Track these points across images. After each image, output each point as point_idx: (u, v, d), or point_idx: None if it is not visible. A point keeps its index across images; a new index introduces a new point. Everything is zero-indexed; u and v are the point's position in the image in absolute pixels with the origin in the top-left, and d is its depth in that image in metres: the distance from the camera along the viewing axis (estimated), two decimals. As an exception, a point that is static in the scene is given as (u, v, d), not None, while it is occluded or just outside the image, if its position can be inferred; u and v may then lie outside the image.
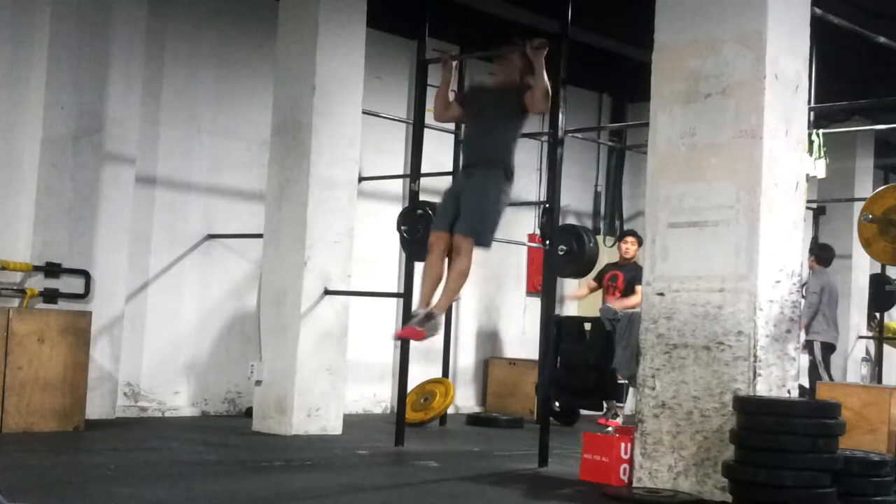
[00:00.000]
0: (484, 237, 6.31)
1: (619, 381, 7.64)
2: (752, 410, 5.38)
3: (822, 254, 11.00)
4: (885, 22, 8.47)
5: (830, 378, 10.70)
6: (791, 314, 5.91)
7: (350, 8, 8.44)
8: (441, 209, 6.54)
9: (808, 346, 10.70)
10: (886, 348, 13.27)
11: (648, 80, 6.29)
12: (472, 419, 10.05)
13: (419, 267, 8.16)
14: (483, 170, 6.32)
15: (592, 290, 10.12)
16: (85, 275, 8.21)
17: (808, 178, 6.99)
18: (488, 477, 6.56)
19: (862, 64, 9.84)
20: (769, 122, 5.83)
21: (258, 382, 8.24)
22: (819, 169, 8.71)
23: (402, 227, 7.57)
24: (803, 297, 10.36)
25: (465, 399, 11.14)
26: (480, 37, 10.63)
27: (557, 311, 9.12)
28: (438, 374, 9.87)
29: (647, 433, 6.06)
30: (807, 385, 10.15)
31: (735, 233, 5.84)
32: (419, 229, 7.46)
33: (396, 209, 8.72)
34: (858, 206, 12.68)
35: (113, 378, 8.45)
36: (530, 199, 11.86)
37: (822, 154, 8.69)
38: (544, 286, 7.32)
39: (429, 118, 8.50)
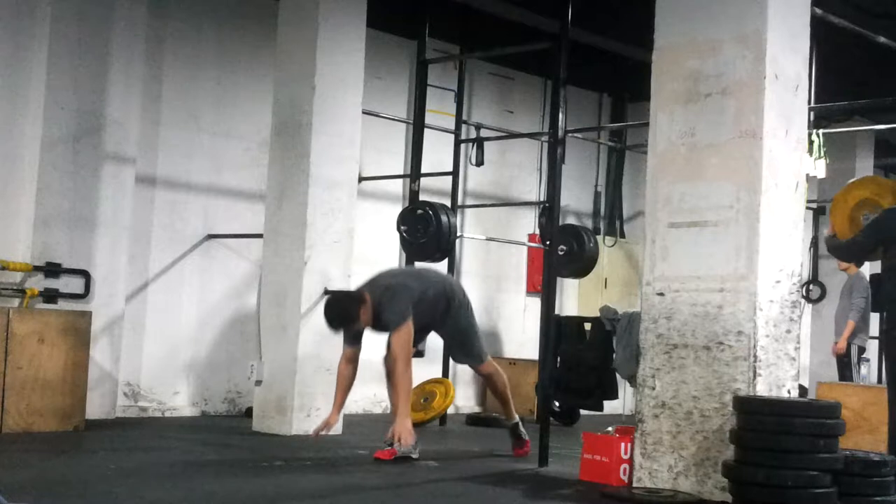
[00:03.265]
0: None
1: None
2: (752, 410, 5.37)
3: None
4: (885, 22, 8.47)
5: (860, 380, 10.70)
6: (791, 314, 5.91)
7: (350, 8, 8.44)
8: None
9: (848, 348, 10.68)
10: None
11: (648, 80, 6.29)
12: (472, 419, 10.05)
13: (419, 267, 8.20)
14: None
15: None
16: (85, 275, 8.21)
17: (808, 178, 6.99)
18: (488, 477, 6.55)
19: (862, 64, 9.84)
20: (769, 122, 5.83)
21: (258, 382, 8.24)
22: (819, 169, 8.71)
23: (402, 227, 7.57)
24: (803, 296, 10.32)
25: (465, 399, 11.14)
26: (480, 37, 10.65)
27: (558, 311, 9.12)
28: (438, 374, 9.88)
29: (647, 433, 6.06)
30: (805, 385, 10.13)
31: (735, 233, 5.84)
32: (419, 229, 7.47)
33: (396, 209, 8.74)
34: (858, 206, 12.71)
35: (113, 378, 8.46)
36: (530, 199, 11.87)
37: (822, 154, 8.70)
38: (544, 286, 7.33)
39: (429, 118, 8.51)
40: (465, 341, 7.43)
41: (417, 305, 6.94)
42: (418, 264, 7.92)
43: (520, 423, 7.50)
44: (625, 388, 7.71)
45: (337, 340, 8.28)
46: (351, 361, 7.11)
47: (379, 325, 6.99)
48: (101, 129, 8.35)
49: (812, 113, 8.02)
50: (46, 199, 8.04)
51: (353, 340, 7.09)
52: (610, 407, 8.24)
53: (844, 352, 10.46)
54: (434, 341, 10.09)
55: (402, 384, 6.74)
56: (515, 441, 7.51)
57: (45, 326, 7.45)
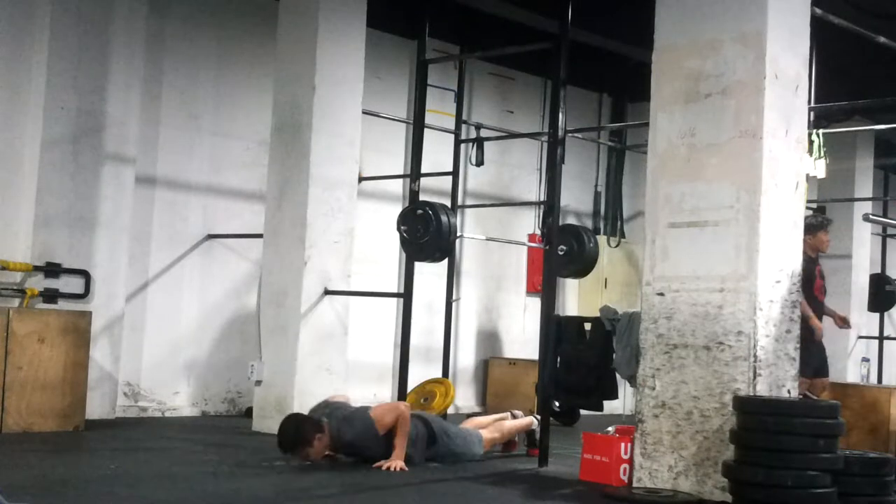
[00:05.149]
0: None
1: None
2: (752, 410, 5.37)
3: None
4: (885, 22, 8.46)
5: None
6: (791, 314, 5.91)
7: (350, 8, 8.44)
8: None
9: None
10: (886, 348, 13.26)
11: (648, 80, 6.30)
12: (472, 419, 10.03)
13: (419, 267, 8.21)
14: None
15: None
16: (85, 275, 8.21)
17: (808, 178, 6.99)
18: (488, 477, 6.56)
19: (862, 64, 9.83)
20: (769, 122, 5.84)
21: (258, 382, 8.24)
22: (819, 169, 8.69)
23: (402, 227, 7.56)
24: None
25: (465, 399, 11.14)
26: (480, 37, 10.65)
27: (558, 311, 9.13)
28: (438, 374, 9.86)
29: (647, 433, 6.06)
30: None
31: (735, 233, 5.84)
32: (419, 229, 7.46)
33: (396, 209, 8.72)
34: (858, 206, 12.71)
35: (113, 378, 8.46)
36: (530, 199, 11.87)
37: (822, 154, 8.68)
38: (544, 286, 7.33)
39: (429, 118, 8.51)
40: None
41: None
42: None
43: (536, 431, 7.46)
44: (625, 388, 7.71)
45: (337, 340, 8.31)
46: None
47: (346, 446, 6.66)
48: (101, 129, 8.35)
49: (812, 113, 8.01)
50: (46, 199, 8.04)
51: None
52: (610, 407, 8.25)
53: None
54: (435, 339, 10.11)
55: (401, 428, 6.56)
56: (530, 442, 7.59)
57: (45, 326, 7.45)
